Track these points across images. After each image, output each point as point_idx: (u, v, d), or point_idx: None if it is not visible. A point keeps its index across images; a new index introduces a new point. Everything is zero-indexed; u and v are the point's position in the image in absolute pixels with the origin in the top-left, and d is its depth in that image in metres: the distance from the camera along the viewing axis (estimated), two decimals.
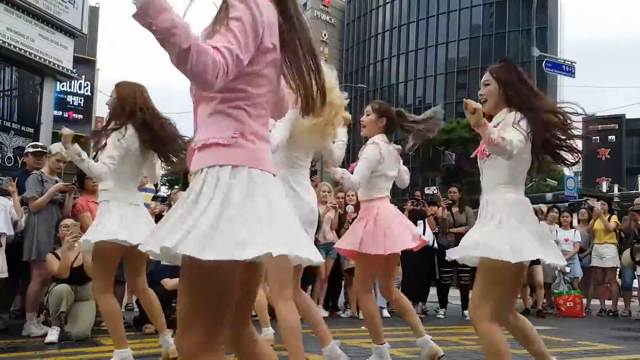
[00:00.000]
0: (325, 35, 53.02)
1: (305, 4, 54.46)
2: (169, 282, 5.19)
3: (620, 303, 8.62)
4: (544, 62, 22.23)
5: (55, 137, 15.36)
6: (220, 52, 1.44)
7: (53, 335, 4.52)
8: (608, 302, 8.60)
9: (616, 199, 16.34)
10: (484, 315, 2.61)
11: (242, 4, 1.54)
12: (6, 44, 13.93)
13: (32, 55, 14.62)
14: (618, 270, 8.46)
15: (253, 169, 1.58)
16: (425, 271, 7.45)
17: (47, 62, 15.00)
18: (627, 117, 44.90)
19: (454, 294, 8.09)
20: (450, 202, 7.73)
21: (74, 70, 15.71)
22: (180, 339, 1.54)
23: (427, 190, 19.97)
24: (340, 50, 58.50)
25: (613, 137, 45.17)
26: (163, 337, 3.86)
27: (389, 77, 54.48)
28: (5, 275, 4.84)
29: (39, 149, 5.66)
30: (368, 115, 3.73)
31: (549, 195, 18.29)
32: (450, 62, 49.77)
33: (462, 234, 7.51)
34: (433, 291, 7.85)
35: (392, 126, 3.74)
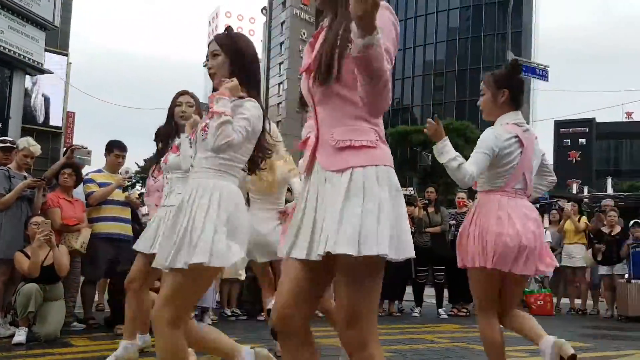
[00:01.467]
0: (304, 34, 52.82)
1: (284, 3, 54.30)
2: None
3: (589, 302, 8.82)
4: None
5: (25, 132, 15.02)
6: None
7: (21, 335, 4.40)
8: (577, 301, 8.77)
9: (586, 201, 16.64)
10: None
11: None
12: None
13: (1, 48, 14.27)
14: (588, 269, 8.63)
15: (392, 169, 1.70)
16: (401, 270, 7.48)
17: (16, 54, 14.65)
18: (597, 120, 45.94)
19: (429, 292, 8.14)
20: (426, 202, 7.80)
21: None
22: (348, 330, 1.63)
23: (404, 191, 20.08)
24: None
25: (584, 140, 46.17)
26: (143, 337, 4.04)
27: None
28: None
29: (8, 144, 5.51)
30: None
31: None
32: (428, 64, 50.20)
33: (437, 234, 7.65)
34: (409, 290, 7.89)
35: None
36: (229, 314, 6.54)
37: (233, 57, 2.36)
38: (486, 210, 2.74)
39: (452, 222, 7.74)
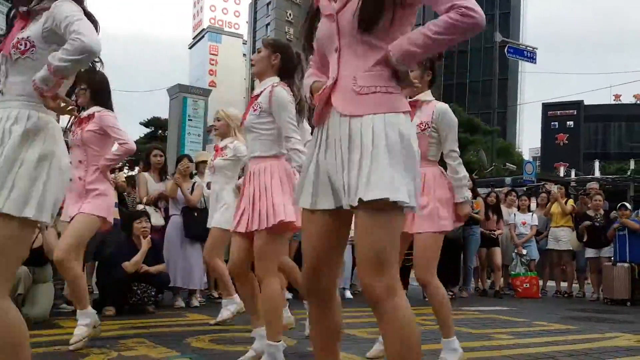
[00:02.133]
0: (290, 15, 52.29)
1: None
2: (129, 265, 5.10)
3: (575, 285, 8.96)
4: (506, 47, 22.55)
5: None
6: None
7: None
8: (563, 284, 8.90)
9: (573, 184, 16.81)
10: None
11: None
12: None
13: None
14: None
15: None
16: None
17: None
18: (586, 103, 46.15)
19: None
20: None
21: None
22: (377, 277, 1.59)
23: None
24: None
25: (571, 122, 46.41)
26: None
27: None
28: None
29: None
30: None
31: (508, 180, 18.70)
32: None
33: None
34: None
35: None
36: (217, 296, 6.56)
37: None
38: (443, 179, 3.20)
39: None
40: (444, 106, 3.21)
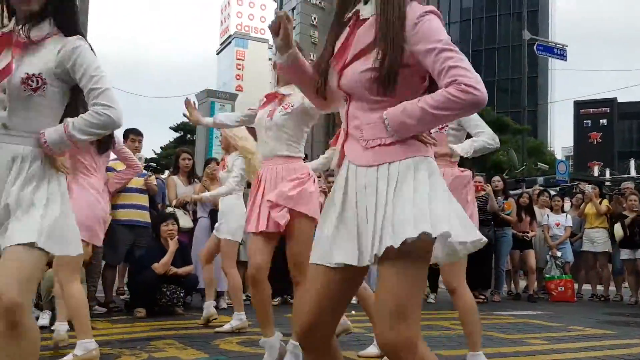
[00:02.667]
0: (315, 19, 52.34)
1: None
2: (158, 267, 5.16)
3: (612, 288, 8.70)
4: (535, 45, 22.19)
5: None
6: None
7: (45, 319, 4.48)
8: (600, 287, 8.65)
9: (607, 183, 16.41)
10: None
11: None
12: None
13: None
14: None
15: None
16: None
17: None
18: (619, 100, 45.05)
19: None
20: None
21: None
22: (399, 324, 1.48)
23: None
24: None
25: (605, 120, 45.36)
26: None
27: None
28: None
29: None
30: None
31: (540, 179, 18.35)
32: None
33: None
34: None
35: None
36: (244, 298, 6.55)
37: None
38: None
39: None
40: None
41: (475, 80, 1.49)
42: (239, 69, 60.78)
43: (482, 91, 1.49)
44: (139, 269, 5.36)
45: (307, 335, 1.66)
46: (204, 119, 3.68)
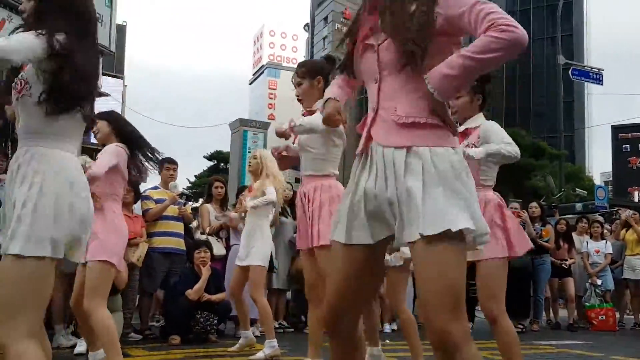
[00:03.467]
0: None
1: (325, 18, 54.69)
2: (192, 293, 5.21)
3: None
4: (571, 70, 21.91)
5: (85, 151, 15.62)
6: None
7: (82, 346, 4.54)
8: None
9: None
10: None
11: None
12: None
13: None
14: None
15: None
16: None
17: None
18: None
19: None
20: None
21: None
22: (454, 321, 1.45)
23: None
24: None
25: None
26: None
27: None
28: None
29: None
30: None
31: (578, 206, 17.92)
32: None
33: None
34: None
35: None
36: (277, 326, 6.55)
37: None
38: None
39: None
40: (489, 122, 3.05)
41: (512, 20, 1.48)
42: (271, 98, 61.67)
43: (521, 29, 1.46)
44: (174, 296, 5.43)
45: (333, 326, 1.68)
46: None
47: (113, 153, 3.21)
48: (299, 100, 3.28)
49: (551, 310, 8.45)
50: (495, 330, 2.91)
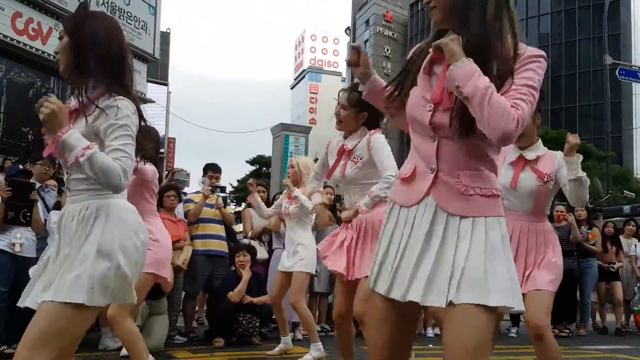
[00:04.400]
0: (388, 50, 52.86)
1: (367, 21, 54.64)
2: (233, 295, 5.31)
3: None
4: (618, 69, 21.27)
5: None
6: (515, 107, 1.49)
7: None
8: None
9: None
10: None
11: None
12: None
13: None
14: None
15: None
16: None
17: None
18: None
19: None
20: None
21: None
22: None
23: None
24: (406, 36, 58.00)
25: None
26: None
27: None
28: None
29: None
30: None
31: (626, 208, 17.30)
32: None
33: None
34: None
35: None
36: (319, 329, 6.58)
37: None
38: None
39: None
40: (560, 153, 2.99)
41: (524, 118, 1.48)
42: (313, 103, 62.00)
43: (517, 126, 1.46)
44: (217, 298, 5.53)
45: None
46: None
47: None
48: (338, 120, 3.24)
49: (598, 314, 8.22)
50: (538, 346, 2.80)
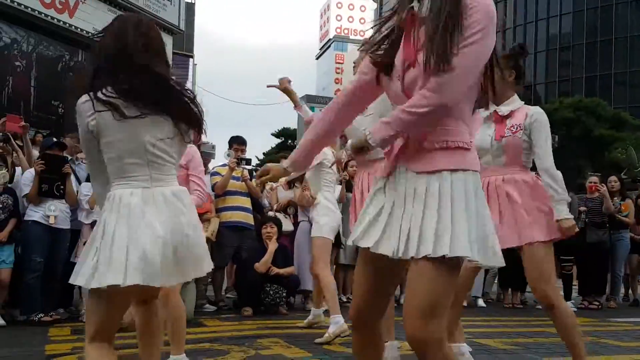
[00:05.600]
0: None
1: None
2: (260, 266, 5.39)
3: None
4: None
5: None
6: None
7: None
8: None
9: None
10: None
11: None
12: None
13: None
14: None
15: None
16: (522, 261, 7.15)
17: None
18: None
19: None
20: None
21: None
22: (431, 320, 1.55)
23: None
24: None
25: None
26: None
27: None
28: None
29: None
30: None
31: None
32: (552, 38, 46.91)
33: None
34: None
35: None
36: (345, 300, 6.64)
37: None
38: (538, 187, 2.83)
39: (583, 208, 7.23)
40: (540, 112, 2.91)
41: (445, 81, 1.54)
42: (338, 73, 61.43)
43: (447, 94, 1.53)
44: (245, 269, 5.63)
45: (357, 321, 1.80)
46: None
47: None
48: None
49: (630, 287, 8.10)
50: (553, 317, 2.82)
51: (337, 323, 4.07)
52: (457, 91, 1.54)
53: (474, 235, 1.56)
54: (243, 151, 6.09)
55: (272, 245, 5.51)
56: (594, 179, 7.48)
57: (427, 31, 1.55)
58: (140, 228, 1.85)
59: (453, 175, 1.59)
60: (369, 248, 1.67)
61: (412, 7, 1.61)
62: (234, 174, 5.87)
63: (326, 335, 4.07)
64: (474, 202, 1.60)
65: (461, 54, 1.51)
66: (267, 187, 6.56)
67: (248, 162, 6.14)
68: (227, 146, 6.08)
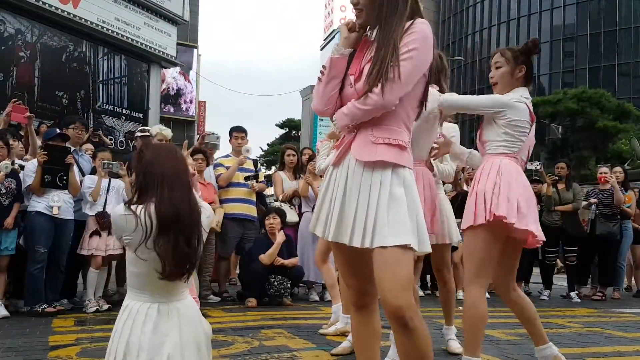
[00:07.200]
0: (421, 8, 51.76)
1: None
2: (265, 258, 5.38)
3: None
4: None
5: (162, 121, 16.26)
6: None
7: None
8: None
9: None
10: None
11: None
12: (115, 33, 14.86)
13: (139, 44, 15.49)
14: None
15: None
16: (528, 251, 7.13)
17: (152, 49, 15.83)
18: None
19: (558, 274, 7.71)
20: (556, 178, 7.28)
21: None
22: (406, 292, 1.81)
23: (529, 166, 19.01)
24: (437, 22, 56.70)
25: None
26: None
27: (489, 47, 52.03)
28: (119, 252, 5.14)
29: (147, 133, 6.02)
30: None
31: None
32: (556, 29, 46.68)
33: (569, 212, 7.18)
34: (537, 271, 7.53)
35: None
36: None
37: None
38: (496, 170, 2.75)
39: (594, 200, 7.20)
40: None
41: (379, 90, 1.85)
42: None
43: (385, 97, 1.84)
44: (249, 260, 5.63)
45: (353, 300, 2.07)
46: None
47: None
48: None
49: (633, 277, 8.10)
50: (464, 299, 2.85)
51: (344, 321, 3.96)
52: (394, 96, 1.83)
53: (414, 225, 1.85)
54: (243, 139, 6.15)
55: (280, 238, 5.50)
56: (604, 169, 7.44)
57: (375, 50, 1.89)
58: None
59: (395, 173, 1.88)
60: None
61: (366, 34, 2.02)
62: (245, 165, 5.95)
63: (331, 328, 4.04)
64: (411, 194, 1.88)
65: (401, 66, 1.82)
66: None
67: (256, 177, 6.15)
68: (228, 137, 6.14)
